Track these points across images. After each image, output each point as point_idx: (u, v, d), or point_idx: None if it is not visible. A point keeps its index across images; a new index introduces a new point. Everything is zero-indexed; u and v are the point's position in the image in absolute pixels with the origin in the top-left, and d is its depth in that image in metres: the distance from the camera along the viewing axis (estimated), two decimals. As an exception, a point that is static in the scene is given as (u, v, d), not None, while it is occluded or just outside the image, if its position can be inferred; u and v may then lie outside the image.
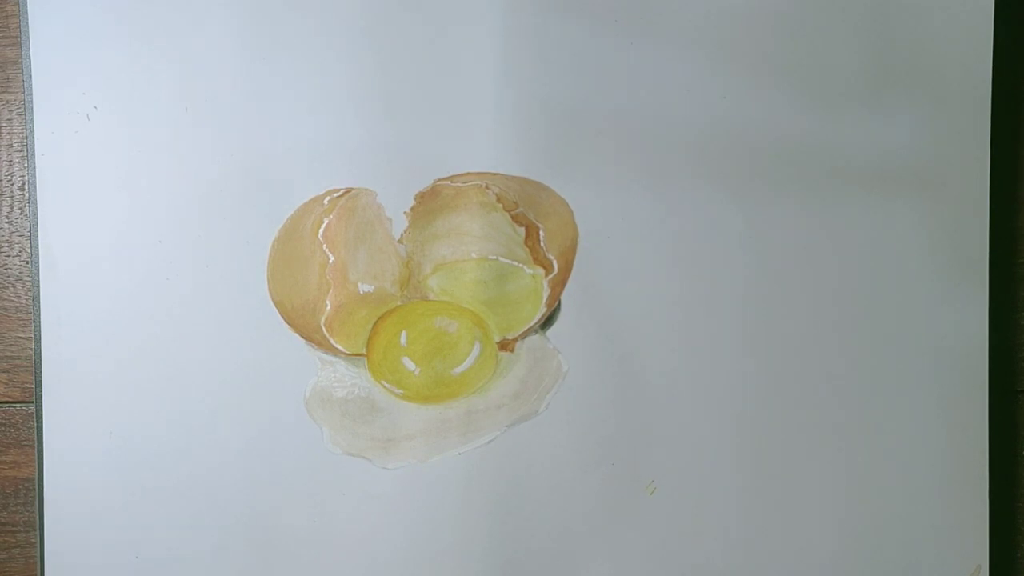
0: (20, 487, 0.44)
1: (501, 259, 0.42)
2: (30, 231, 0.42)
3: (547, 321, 0.43)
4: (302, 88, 0.42)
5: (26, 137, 0.42)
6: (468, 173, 0.42)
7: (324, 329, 0.42)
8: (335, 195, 0.42)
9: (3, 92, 0.43)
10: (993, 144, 0.43)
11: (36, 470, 0.42)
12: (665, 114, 0.42)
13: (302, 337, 0.42)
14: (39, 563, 0.42)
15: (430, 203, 0.42)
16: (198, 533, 0.42)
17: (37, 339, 0.42)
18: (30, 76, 0.41)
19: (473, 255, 0.42)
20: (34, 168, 0.42)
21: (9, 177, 0.43)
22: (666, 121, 0.42)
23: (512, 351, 0.43)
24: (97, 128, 0.42)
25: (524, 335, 0.43)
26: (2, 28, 0.43)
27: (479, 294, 0.42)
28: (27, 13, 0.41)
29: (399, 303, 0.43)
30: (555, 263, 0.42)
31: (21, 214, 0.43)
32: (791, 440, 0.43)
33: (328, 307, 0.42)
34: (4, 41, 0.43)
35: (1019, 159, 0.44)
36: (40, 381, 0.42)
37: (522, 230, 0.43)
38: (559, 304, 0.43)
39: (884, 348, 0.43)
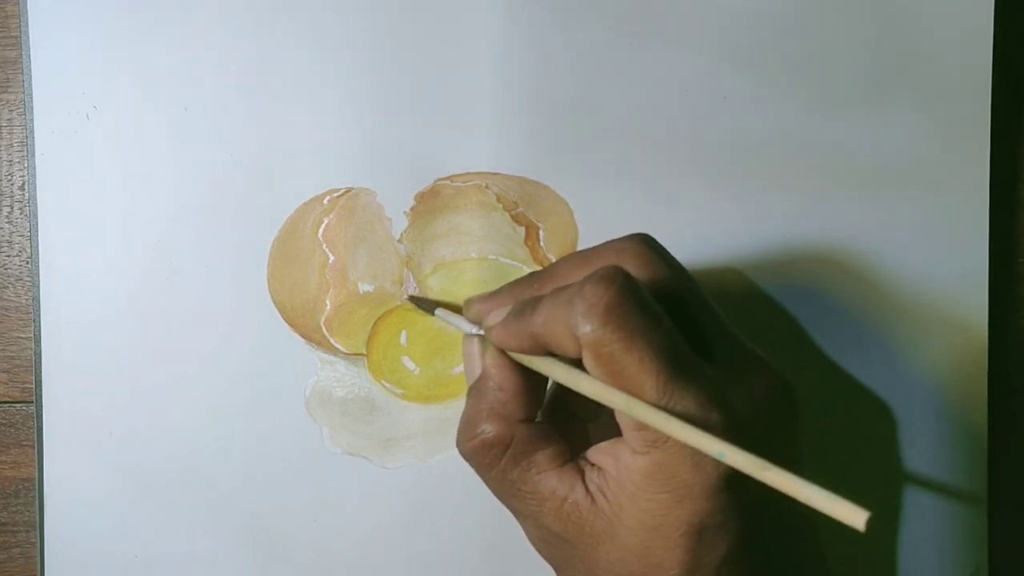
0: (20, 487, 0.44)
1: (501, 259, 0.42)
2: (30, 231, 0.42)
3: (547, 321, 0.43)
4: (302, 88, 0.42)
5: (26, 137, 0.42)
6: (468, 173, 0.42)
7: (324, 329, 0.42)
8: (335, 195, 0.42)
9: (3, 92, 0.43)
10: (993, 144, 0.43)
11: (36, 470, 0.42)
12: (665, 114, 0.42)
13: (302, 337, 0.42)
14: (39, 563, 0.42)
15: (430, 203, 0.42)
16: (198, 533, 0.42)
17: (37, 339, 0.42)
18: (30, 76, 0.41)
19: (473, 255, 0.42)
20: (34, 168, 0.42)
21: (9, 177, 0.43)
22: (666, 121, 0.42)
23: (512, 351, 0.43)
24: (97, 128, 0.42)
25: (524, 335, 0.43)
26: (2, 28, 0.43)
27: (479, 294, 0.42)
28: (27, 13, 0.41)
29: (399, 303, 0.43)
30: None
31: (21, 214, 0.43)
32: (791, 440, 0.43)
33: (328, 307, 0.42)
34: (4, 41, 0.43)
35: (1019, 159, 0.44)
36: (40, 381, 0.42)
37: (522, 230, 0.42)
38: (559, 304, 0.42)
39: (883, 348, 0.43)
